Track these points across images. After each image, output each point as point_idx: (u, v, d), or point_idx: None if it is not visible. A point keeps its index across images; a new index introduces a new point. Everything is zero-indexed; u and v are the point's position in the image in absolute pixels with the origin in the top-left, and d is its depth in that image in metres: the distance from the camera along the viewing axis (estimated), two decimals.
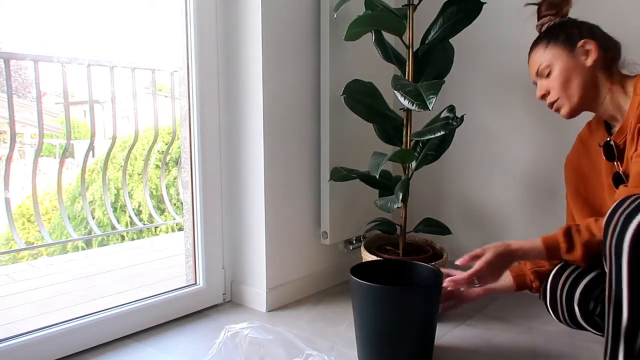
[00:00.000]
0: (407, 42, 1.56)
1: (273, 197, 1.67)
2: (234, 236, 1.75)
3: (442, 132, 1.45)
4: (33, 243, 4.33)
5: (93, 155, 4.61)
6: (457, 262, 1.27)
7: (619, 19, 1.50)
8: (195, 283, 1.71)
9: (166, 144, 2.94)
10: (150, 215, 3.15)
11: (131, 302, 1.53)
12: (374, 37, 1.60)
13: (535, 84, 1.30)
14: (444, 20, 1.52)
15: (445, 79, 1.55)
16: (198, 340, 1.49)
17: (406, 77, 1.56)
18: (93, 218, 4.17)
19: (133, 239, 3.32)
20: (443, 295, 1.36)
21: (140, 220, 4.13)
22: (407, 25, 1.54)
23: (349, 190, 1.82)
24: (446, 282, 1.27)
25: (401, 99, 1.42)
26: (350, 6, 1.59)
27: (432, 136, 1.48)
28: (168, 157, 3.19)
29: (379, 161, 1.49)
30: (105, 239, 3.96)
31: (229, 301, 1.77)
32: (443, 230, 1.68)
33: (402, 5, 1.56)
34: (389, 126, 1.64)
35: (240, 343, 1.09)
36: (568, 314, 1.13)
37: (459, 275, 1.27)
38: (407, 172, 1.63)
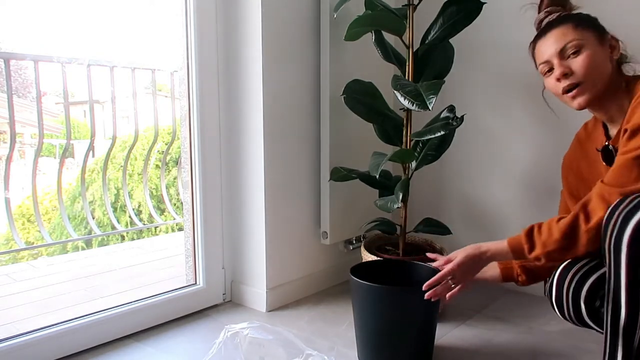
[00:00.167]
0: (407, 42, 1.56)
1: (273, 197, 1.67)
2: (234, 236, 1.75)
3: (442, 132, 1.45)
4: (33, 243, 4.33)
5: (93, 155, 4.61)
6: (434, 265, 1.31)
7: (619, 18, 1.50)
8: (195, 283, 1.71)
9: (166, 144, 2.94)
10: (150, 215, 3.15)
11: (131, 302, 1.54)
12: (374, 37, 1.60)
13: (548, 70, 1.19)
14: (444, 20, 1.52)
15: (445, 79, 1.55)
16: (198, 340, 1.49)
17: (406, 77, 1.56)
18: (93, 218, 4.17)
19: (133, 239, 3.32)
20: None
21: (140, 220, 4.12)
22: (407, 25, 1.54)
23: (349, 190, 1.82)
24: (424, 287, 1.26)
25: (401, 99, 1.42)
26: (350, 6, 1.59)
27: (432, 136, 1.48)
28: (168, 157, 3.19)
29: (379, 161, 1.49)
30: (105, 239, 3.96)
31: (229, 301, 1.77)
32: (443, 230, 1.68)
33: (402, 5, 1.56)
34: (389, 126, 1.64)
35: (240, 343, 1.09)
36: (574, 311, 1.13)
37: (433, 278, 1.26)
38: (407, 172, 1.63)
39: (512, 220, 1.87)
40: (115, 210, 4.28)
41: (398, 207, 1.54)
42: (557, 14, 1.22)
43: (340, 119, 1.76)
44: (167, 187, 3.14)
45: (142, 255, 2.67)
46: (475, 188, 1.96)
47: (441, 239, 1.74)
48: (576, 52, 1.14)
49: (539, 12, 1.27)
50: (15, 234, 2.18)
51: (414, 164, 1.62)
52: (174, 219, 2.97)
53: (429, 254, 1.40)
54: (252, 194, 1.67)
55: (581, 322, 1.15)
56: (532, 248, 1.14)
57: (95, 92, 2.27)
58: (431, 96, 1.36)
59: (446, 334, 1.51)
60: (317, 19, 1.72)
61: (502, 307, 1.72)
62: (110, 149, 2.49)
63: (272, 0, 1.58)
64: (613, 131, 1.21)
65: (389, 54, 1.62)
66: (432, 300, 1.23)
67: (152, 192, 3.79)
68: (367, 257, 1.64)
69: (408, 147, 1.61)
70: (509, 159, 1.87)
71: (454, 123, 1.47)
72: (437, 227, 1.69)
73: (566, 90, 1.16)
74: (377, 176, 1.46)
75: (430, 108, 1.34)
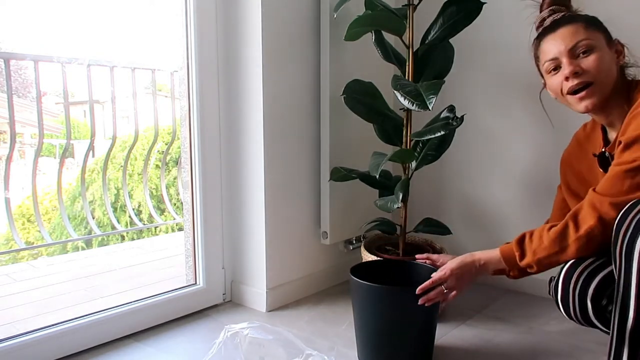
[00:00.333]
0: (407, 42, 1.55)
1: (273, 197, 1.66)
2: (234, 236, 1.75)
3: (442, 132, 1.45)
4: (33, 243, 4.33)
5: (93, 155, 4.61)
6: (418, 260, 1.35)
7: (618, 18, 1.50)
8: (195, 283, 1.71)
9: (166, 144, 2.94)
10: (150, 215, 3.15)
11: (131, 302, 1.54)
12: (374, 37, 1.60)
13: (554, 68, 1.17)
14: (444, 20, 1.52)
15: (445, 79, 1.55)
16: (198, 340, 1.49)
17: (406, 77, 1.56)
18: (93, 218, 4.17)
19: (133, 239, 3.32)
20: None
21: (140, 220, 4.12)
22: (407, 25, 1.54)
23: (349, 190, 1.82)
24: (417, 291, 1.26)
25: (401, 99, 1.42)
26: (350, 6, 1.59)
27: (432, 136, 1.48)
28: (168, 157, 3.19)
29: (379, 161, 1.49)
30: (105, 239, 3.96)
31: (229, 301, 1.77)
32: (443, 230, 1.68)
33: (402, 5, 1.56)
34: (389, 126, 1.64)
35: (240, 343, 1.09)
36: (580, 310, 1.12)
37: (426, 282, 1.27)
38: (407, 172, 1.63)
39: (512, 220, 1.87)
40: (115, 210, 4.28)
41: (398, 207, 1.54)
42: (562, 13, 1.21)
43: (340, 119, 1.76)
44: (167, 187, 3.14)
45: (142, 255, 2.67)
46: (475, 188, 1.96)
47: (441, 239, 1.74)
48: (587, 52, 1.12)
49: (540, 11, 1.26)
50: (15, 234, 2.18)
51: (414, 164, 1.62)
52: (174, 219, 2.97)
53: (417, 256, 1.41)
54: (252, 194, 1.67)
55: (587, 322, 1.14)
56: (523, 256, 1.17)
57: (95, 92, 2.27)
58: (431, 96, 1.36)
59: (446, 334, 1.51)
60: (317, 19, 1.72)
61: (502, 307, 1.72)
62: (110, 149, 2.49)
63: (272, 0, 1.58)
64: (611, 135, 1.21)
65: (389, 54, 1.62)
66: (426, 305, 1.24)
67: (152, 192, 3.79)
68: (367, 257, 1.64)
69: (408, 147, 1.61)
70: (509, 159, 1.87)
71: (454, 123, 1.47)
72: (437, 227, 1.69)
73: (574, 91, 1.14)
74: (377, 176, 1.46)
75: (430, 108, 1.34)
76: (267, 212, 1.65)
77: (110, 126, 2.50)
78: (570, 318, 1.16)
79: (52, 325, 1.38)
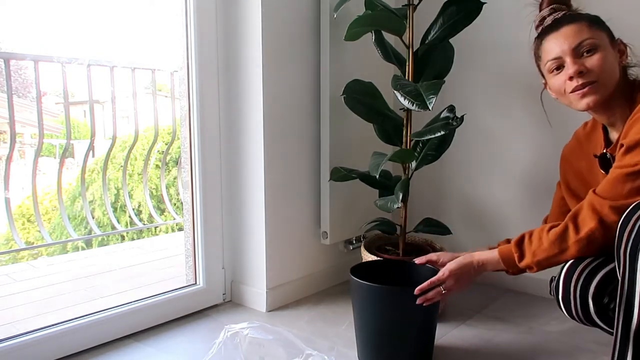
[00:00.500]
0: (407, 42, 1.55)
1: (273, 197, 1.66)
2: (234, 236, 1.75)
3: (442, 132, 1.45)
4: (33, 243, 4.33)
5: (93, 155, 4.61)
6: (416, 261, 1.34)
7: (618, 19, 1.50)
8: (195, 283, 1.71)
9: (166, 144, 2.94)
10: (150, 215, 3.15)
11: (131, 302, 1.54)
12: (374, 37, 1.60)
13: (557, 67, 1.16)
14: (444, 20, 1.52)
15: (445, 79, 1.55)
16: (198, 340, 1.49)
17: (406, 77, 1.56)
18: (93, 218, 4.16)
19: (133, 239, 3.32)
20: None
21: (140, 220, 4.12)
22: (407, 25, 1.54)
23: (349, 190, 1.82)
24: (416, 291, 1.27)
25: (401, 99, 1.42)
26: (350, 6, 1.59)
27: (432, 136, 1.48)
28: (168, 157, 3.19)
29: (379, 161, 1.49)
30: (105, 239, 3.96)
31: (229, 301, 1.77)
32: (443, 230, 1.68)
33: (402, 5, 1.56)
34: (389, 126, 1.64)
35: (240, 343, 1.09)
36: (581, 308, 1.12)
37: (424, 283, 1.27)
38: (407, 172, 1.63)
39: (512, 220, 1.87)
40: (115, 210, 4.28)
41: (398, 207, 1.54)
42: (563, 12, 1.19)
43: (340, 119, 1.76)
44: (167, 187, 3.14)
45: (142, 255, 2.67)
46: (475, 188, 1.96)
47: (441, 239, 1.74)
48: (591, 52, 1.11)
49: (540, 9, 1.24)
50: (15, 234, 2.18)
51: (414, 164, 1.62)
52: (174, 219, 2.97)
53: (417, 261, 1.40)
54: (252, 194, 1.67)
55: (589, 321, 1.14)
56: (522, 257, 1.17)
57: (95, 92, 2.27)
58: (431, 96, 1.36)
59: (446, 334, 1.51)
60: (317, 19, 1.72)
61: (502, 307, 1.72)
62: (110, 149, 2.49)
63: (272, 0, 1.58)
64: (613, 135, 1.20)
65: (389, 54, 1.62)
66: (425, 304, 1.24)
67: (152, 192, 3.79)
68: (367, 257, 1.64)
69: (408, 147, 1.61)
70: (509, 159, 1.87)
71: (454, 123, 1.47)
72: (437, 227, 1.69)
73: (578, 89, 1.12)
74: (377, 176, 1.46)
75: (430, 108, 1.34)
76: (267, 212, 1.65)
77: (110, 126, 2.50)
78: (572, 317, 1.16)
79: (52, 325, 1.38)
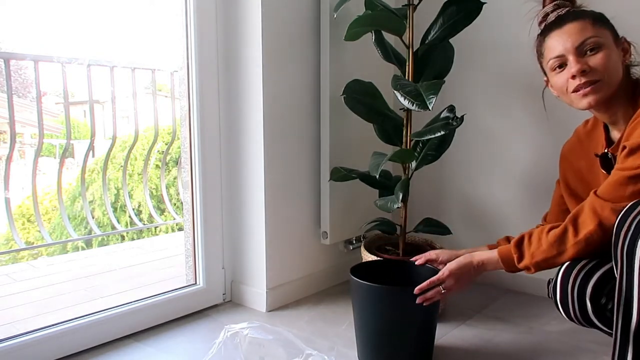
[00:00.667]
0: (407, 42, 1.55)
1: (273, 197, 1.66)
2: (234, 236, 1.75)
3: (442, 132, 1.45)
4: (33, 243, 4.33)
5: (93, 155, 4.61)
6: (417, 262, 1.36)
7: (620, 18, 1.50)
8: (195, 283, 1.71)
9: (166, 144, 2.94)
10: (150, 215, 3.15)
11: (131, 302, 1.54)
12: (374, 37, 1.60)
13: (559, 66, 1.14)
14: (444, 20, 1.52)
15: (445, 79, 1.55)
16: (198, 340, 1.49)
17: (406, 77, 1.56)
18: (93, 218, 4.16)
19: (133, 239, 3.32)
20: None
21: (140, 220, 4.12)
22: (407, 25, 1.54)
23: (349, 190, 1.82)
24: (415, 291, 1.27)
25: (401, 99, 1.42)
26: (350, 6, 1.59)
27: (432, 136, 1.48)
28: (168, 157, 3.19)
29: (379, 161, 1.49)
30: (105, 239, 3.96)
31: (229, 301, 1.77)
32: (443, 230, 1.68)
33: (402, 5, 1.56)
34: (389, 126, 1.64)
35: (240, 343, 1.09)
36: (579, 310, 1.12)
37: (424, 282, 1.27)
38: (407, 172, 1.63)
39: (512, 220, 1.87)
40: (115, 210, 4.28)
41: (398, 207, 1.54)
42: (567, 8, 1.18)
43: (340, 119, 1.76)
44: (167, 187, 3.14)
45: (142, 255, 2.67)
46: (475, 188, 1.96)
47: (441, 239, 1.74)
48: (594, 50, 1.10)
49: (543, 6, 1.22)
50: (15, 234, 2.18)
51: (414, 164, 1.62)
52: (174, 219, 2.97)
53: (417, 263, 1.40)
54: (252, 194, 1.67)
55: (587, 322, 1.14)
56: (521, 258, 1.18)
57: (95, 92, 2.27)
58: (431, 96, 1.36)
59: (446, 334, 1.51)
60: (317, 19, 1.72)
61: (502, 307, 1.72)
62: (110, 149, 2.49)
63: (272, 0, 1.58)
64: (614, 134, 1.20)
65: (389, 54, 1.62)
66: (424, 304, 1.24)
67: (152, 192, 3.78)
68: (367, 257, 1.63)
69: (408, 147, 1.61)
70: (509, 159, 1.87)
71: (454, 123, 1.47)
72: (437, 227, 1.69)
73: (581, 87, 1.11)
74: (377, 176, 1.46)
75: (430, 108, 1.34)
76: (267, 212, 1.65)
77: (110, 126, 2.50)
78: (571, 319, 1.16)
79: (52, 325, 1.38)
